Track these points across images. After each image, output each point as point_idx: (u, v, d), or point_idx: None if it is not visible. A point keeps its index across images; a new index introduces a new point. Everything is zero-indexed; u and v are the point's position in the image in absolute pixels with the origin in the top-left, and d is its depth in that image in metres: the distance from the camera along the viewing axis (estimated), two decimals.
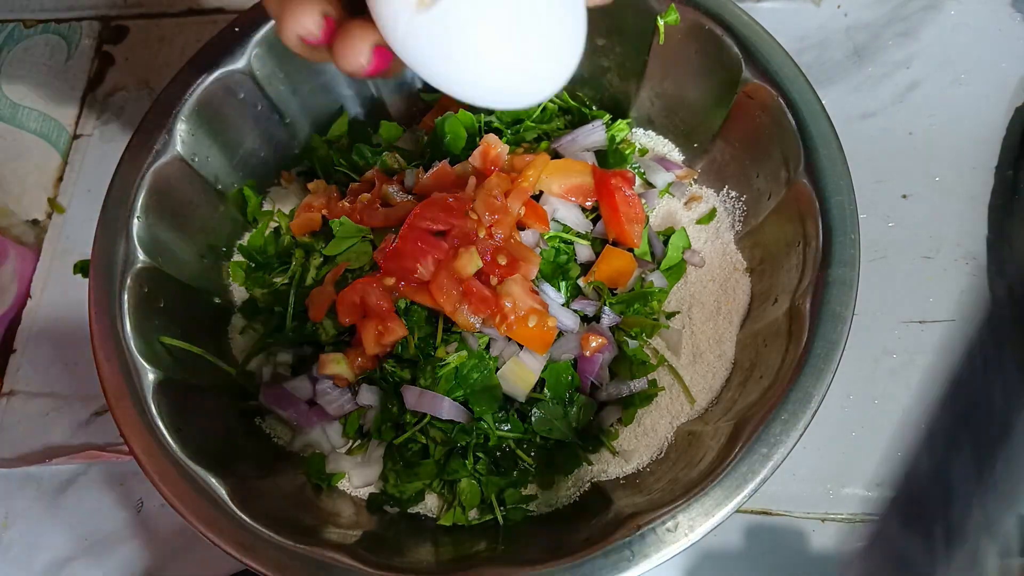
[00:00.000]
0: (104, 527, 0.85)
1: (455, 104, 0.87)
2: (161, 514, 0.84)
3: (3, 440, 0.90)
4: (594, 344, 0.74)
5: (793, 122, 0.71)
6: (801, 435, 0.61)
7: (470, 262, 0.70)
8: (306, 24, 0.43)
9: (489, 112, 0.86)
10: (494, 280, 0.72)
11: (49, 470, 0.88)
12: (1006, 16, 0.98)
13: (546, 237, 0.78)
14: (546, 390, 0.74)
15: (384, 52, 0.43)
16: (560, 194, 0.79)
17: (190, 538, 0.83)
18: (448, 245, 0.72)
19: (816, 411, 0.62)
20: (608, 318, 0.77)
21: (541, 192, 0.79)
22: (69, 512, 0.86)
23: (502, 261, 0.73)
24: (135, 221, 0.72)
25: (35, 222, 1.02)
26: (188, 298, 0.77)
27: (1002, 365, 0.38)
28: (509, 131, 0.85)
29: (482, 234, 0.72)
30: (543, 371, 0.74)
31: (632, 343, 0.76)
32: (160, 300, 0.73)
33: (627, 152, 0.85)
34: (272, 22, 0.78)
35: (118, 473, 0.87)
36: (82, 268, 0.94)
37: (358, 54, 0.43)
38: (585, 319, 0.78)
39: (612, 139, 0.85)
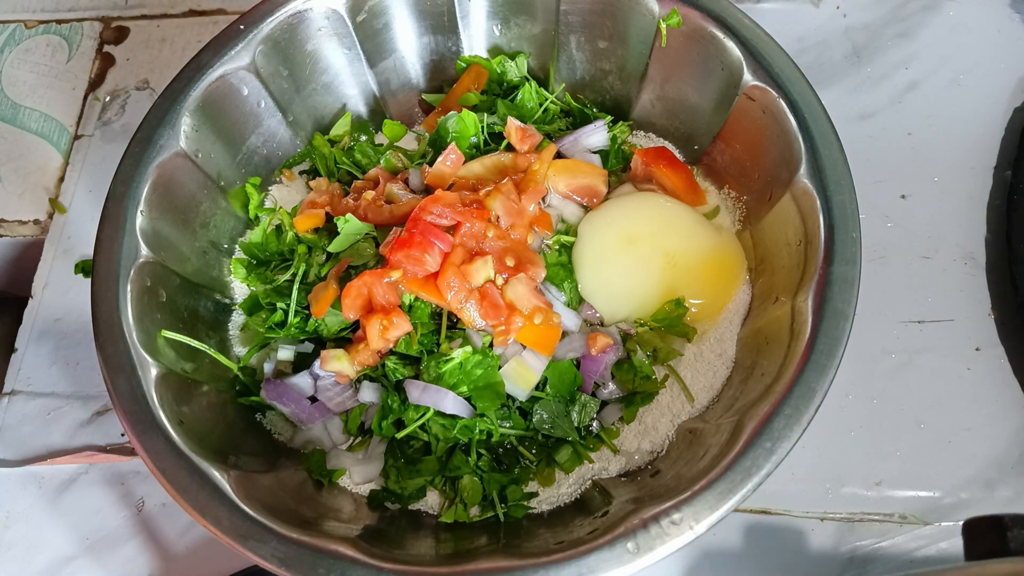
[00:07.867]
0: (105, 527, 0.84)
1: (458, 104, 0.87)
2: (162, 514, 0.84)
3: (4, 440, 0.89)
4: (601, 343, 0.74)
5: (794, 123, 0.72)
6: (804, 430, 0.61)
7: (483, 270, 0.71)
8: None
9: (491, 113, 0.86)
10: (500, 280, 0.72)
11: (50, 470, 0.87)
12: (1005, 17, 0.98)
13: (549, 241, 0.79)
14: (548, 388, 0.74)
15: None
16: (566, 193, 0.80)
17: (191, 538, 0.83)
18: (457, 241, 0.72)
19: (819, 406, 0.62)
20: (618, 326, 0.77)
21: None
22: (70, 512, 0.86)
23: (509, 263, 0.73)
24: (138, 215, 0.72)
25: (36, 222, 1.02)
26: (190, 293, 0.77)
27: None
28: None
29: (491, 233, 0.73)
30: (545, 369, 0.74)
31: (640, 355, 0.76)
32: (162, 294, 0.73)
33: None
34: (275, 19, 0.79)
35: (119, 473, 0.86)
36: (83, 268, 0.94)
37: None
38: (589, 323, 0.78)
39: (614, 139, 0.85)
